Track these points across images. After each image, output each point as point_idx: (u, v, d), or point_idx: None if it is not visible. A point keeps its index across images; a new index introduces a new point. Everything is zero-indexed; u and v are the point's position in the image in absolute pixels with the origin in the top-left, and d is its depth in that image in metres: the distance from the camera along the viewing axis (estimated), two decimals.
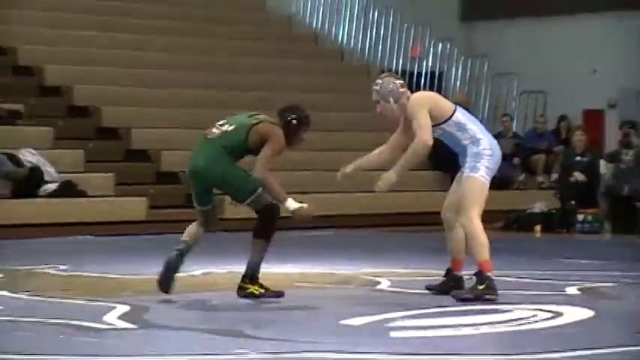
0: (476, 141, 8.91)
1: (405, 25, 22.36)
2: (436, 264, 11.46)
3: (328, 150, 18.96)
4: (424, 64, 22.41)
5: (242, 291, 9.05)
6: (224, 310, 8.75)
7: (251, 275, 9.07)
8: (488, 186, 8.99)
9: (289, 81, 20.70)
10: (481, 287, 8.78)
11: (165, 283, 9.03)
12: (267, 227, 9.08)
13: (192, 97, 19.16)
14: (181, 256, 9.09)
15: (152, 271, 10.30)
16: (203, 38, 20.91)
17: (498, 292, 8.77)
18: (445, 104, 9.00)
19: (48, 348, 7.02)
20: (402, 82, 9.15)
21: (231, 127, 9.11)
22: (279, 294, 9.10)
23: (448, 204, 9.17)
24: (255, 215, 9.09)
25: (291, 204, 9.03)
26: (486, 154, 8.90)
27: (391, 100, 9.06)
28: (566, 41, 22.33)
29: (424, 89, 22.04)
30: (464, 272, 9.16)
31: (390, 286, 9.96)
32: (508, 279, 10.41)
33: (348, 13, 22.74)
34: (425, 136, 8.80)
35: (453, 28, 23.11)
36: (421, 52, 22.44)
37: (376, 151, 9.53)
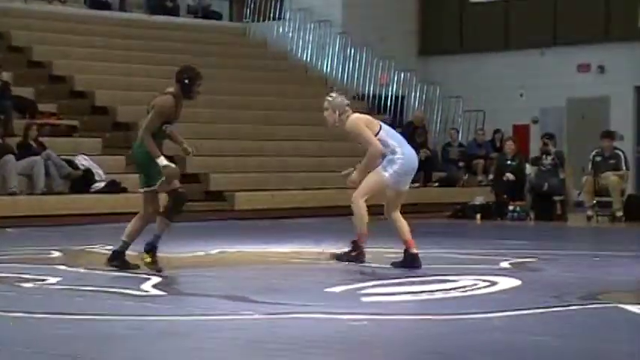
0: (393, 151, 8.92)
1: (375, 59, 22.34)
2: (398, 244, 11.47)
3: (318, 156, 19.00)
4: (390, 89, 22.40)
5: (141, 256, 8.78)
6: (234, 280, 8.74)
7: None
8: (387, 184, 8.92)
9: (285, 102, 20.70)
10: (354, 253, 8.85)
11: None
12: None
13: (210, 115, 19.12)
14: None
15: (178, 250, 10.31)
16: (218, 69, 20.89)
17: (446, 266, 8.75)
18: (373, 124, 9.02)
19: (99, 310, 7.01)
20: (348, 102, 9.11)
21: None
22: (160, 269, 8.69)
23: (385, 207, 9.18)
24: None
25: (162, 161, 8.65)
26: (399, 161, 8.89)
27: (337, 112, 8.99)
28: (500, 71, 22.34)
29: (389, 109, 22.13)
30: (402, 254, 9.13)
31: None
32: (455, 256, 10.42)
33: (331, 49, 22.73)
34: (378, 147, 8.82)
35: (412, 61, 23.09)
36: (387, 79, 22.43)
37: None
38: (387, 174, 8.87)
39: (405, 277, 8.56)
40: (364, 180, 8.92)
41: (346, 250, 9.18)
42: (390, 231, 9.25)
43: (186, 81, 8.94)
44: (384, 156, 8.92)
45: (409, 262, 9.08)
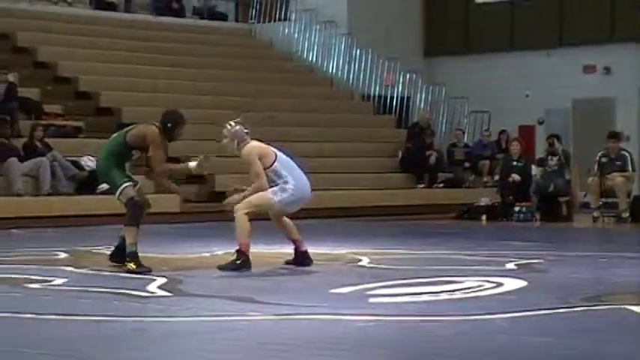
0: (285, 182, 9.25)
1: (381, 60, 22.35)
2: (404, 246, 11.51)
3: (321, 157, 19.03)
4: (395, 90, 22.41)
5: (124, 267, 9.07)
6: (239, 281, 8.76)
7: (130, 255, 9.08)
8: (274, 206, 9.22)
9: (290, 103, 20.72)
10: (239, 262, 9.08)
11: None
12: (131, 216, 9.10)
13: (216, 116, 19.11)
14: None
15: (183, 251, 10.33)
16: (224, 70, 20.92)
17: (452, 267, 8.77)
18: (268, 156, 9.32)
19: (105, 311, 7.02)
20: (247, 131, 9.41)
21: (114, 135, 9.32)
22: (148, 269, 8.98)
23: (272, 217, 9.46)
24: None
25: (192, 164, 9.23)
26: (289, 191, 9.24)
27: (235, 141, 9.32)
28: (506, 72, 22.35)
29: (395, 110, 22.14)
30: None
31: (369, 263, 9.96)
32: (460, 257, 10.43)
33: (336, 50, 22.74)
34: (264, 184, 9.16)
35: (418, 62, 23.09)
36: (393, 80, 22.43)
37: None
38: (276, 199, 9.23)
39: (411, 279, 8.57)
40: (254, 196, 9.20)
41: (231, 259, 9.26)
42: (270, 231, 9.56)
43: (169, 125, 9.23)
44: (274, 184, 9.27)
45: (301, 260, 9.46)
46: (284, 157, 9.42)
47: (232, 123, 9.39)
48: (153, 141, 9.10)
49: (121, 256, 9.26)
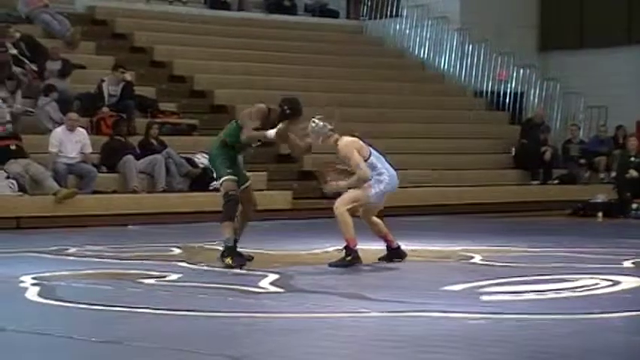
0: (379, 173, 9.42)
1: (493, 54, 22.10)
2: (517, 243, 11.37)
3: (434, 153, 18.95)
4: (509, 85, 22.15)
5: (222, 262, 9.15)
6: (350, 278, 8.78)
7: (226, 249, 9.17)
8: (369, 200, 9.41)
9: (402, 99, 20.66)
10: (348, 258, 9.11)
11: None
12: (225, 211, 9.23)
13: (323, 112, 19.16)
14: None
15: (294, 248, 10.40)
16: (335, 67, 20.97)
17: (567, 265, 8.63)
18: (364, 150, 9.48)
19: (218, 306, 7.12)
20: (332, 127, 9.55)
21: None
22: (244, 263, 9.11)
23: (362, 212, 9.58)
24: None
25: (271, 132, 9.33)
26: (384, 182, 9.42)
27: (320, 138, 9.49)
28: (622, 66, 21.87)
29: (508, 107, 21.87)
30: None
31: (481, 260, 9.88)
32: (576, 255, 10.26)
33: (448, 45, 22.58)
34: (367, 173, 9.34)
35: (531, 56, 22.77)
36: (506, 76, 22.17)
37: None
38: (373, 191, 9.38)
39: (525, 276, 8.47)
40: (350, 192, 9.36)
41: (341, 257, 9.28)
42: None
43: (288, 111, 9.43)
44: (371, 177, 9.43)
45: (393, 256, 9.58)
46: (374, 150, 9.59)
47: (316, 120, 9.55)
48: (250, 113, 9.32)
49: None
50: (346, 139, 9.46)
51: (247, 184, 9.54)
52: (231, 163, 9.44)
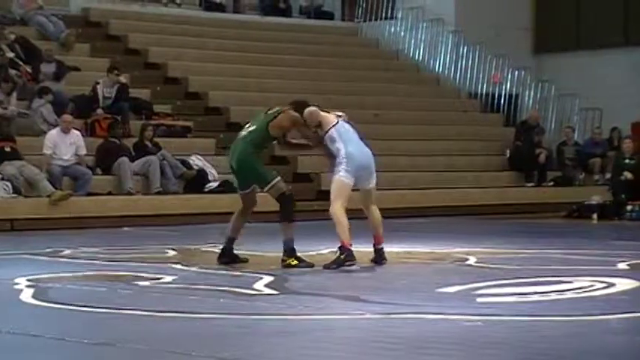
0: (337, 151, 9.25)
1: (488, 57, 22.11)
2: (512, 245, 11.36)
3: (429, 155, 18.94)
4: (503, 87, 22.15)
5: (284, 263, 9.11)
6: (345, 279, 8.75)
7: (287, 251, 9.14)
8: (348, 182, 9.22)
9: (396, 101, 20.65)
10: (342, 257, 9.02)
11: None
12: (286, 211, 9.15)
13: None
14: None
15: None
16: (330, 69, 20.95)
17: (562, 267, 8.63)
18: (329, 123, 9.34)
19: (212, 308, 7.09)
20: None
21: (253, 127, 9.32)
22: (310, 264, 9.10)
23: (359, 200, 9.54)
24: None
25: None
26: (344, 161, 9.18)
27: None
28: (618, 68, 21.87)
29: (503, 109, 21.87)
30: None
31: (476, 262, 9.85)
32: (570, 257, 10.24)
33: (443, 47, 22.58)
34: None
35: (526, 58, 22.77)
36: (501, 78, 22.17)
37: None
38: (340, 175, 9.22)
39: (520, 278, 8.45)
40: (332, 188, 9.30)
41: (334, 257, 9.24)
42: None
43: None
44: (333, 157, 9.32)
45: (376, 259, 9.43)
46: (348, 126, 9.40)
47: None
48: (298, 119, 9.26)
49: (229, 257, 9.38)
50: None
51: (254, 186, 9.51)
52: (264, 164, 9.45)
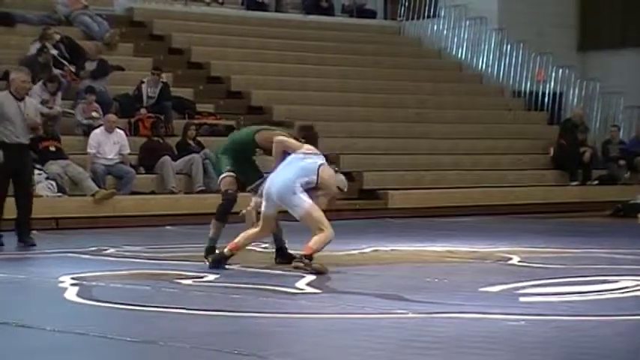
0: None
1: (532, 54, 21.96)
2: (556, 244, 11.27)
3: (472, 154, 18.85)
4: (547, 86, 21.99)
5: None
6: (387, 279, 8.73)
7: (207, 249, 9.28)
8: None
9: (439, 100, 20.58)
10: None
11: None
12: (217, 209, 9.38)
13: (365, 114, 19.16)
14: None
15: (332, 248, 10.32)
16: (372, 68, 20.92)
17: (606, 266, 8.52)
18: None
19: (255, 307, 7.10)
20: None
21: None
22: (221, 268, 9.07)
23: None
24: None
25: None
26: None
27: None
28: None
29: (547, 106, 21.71)
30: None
31: (519, 261, 9.79)
32: (615, 256, 10.15)
33: (486, 46, 22.46)
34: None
35: (570, 56, 22.58)
36: (544, 76, 22.01)
37: None
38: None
39: (564, 278, 8.38)
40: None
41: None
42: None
43: (302, 140, 9.43)
44: None
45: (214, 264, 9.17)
46: (289, 160, 9.24)
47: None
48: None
49: (284, 254, 9.37)
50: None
51: (260, 182, 9.60)
52: (233, 161, 9.63)
